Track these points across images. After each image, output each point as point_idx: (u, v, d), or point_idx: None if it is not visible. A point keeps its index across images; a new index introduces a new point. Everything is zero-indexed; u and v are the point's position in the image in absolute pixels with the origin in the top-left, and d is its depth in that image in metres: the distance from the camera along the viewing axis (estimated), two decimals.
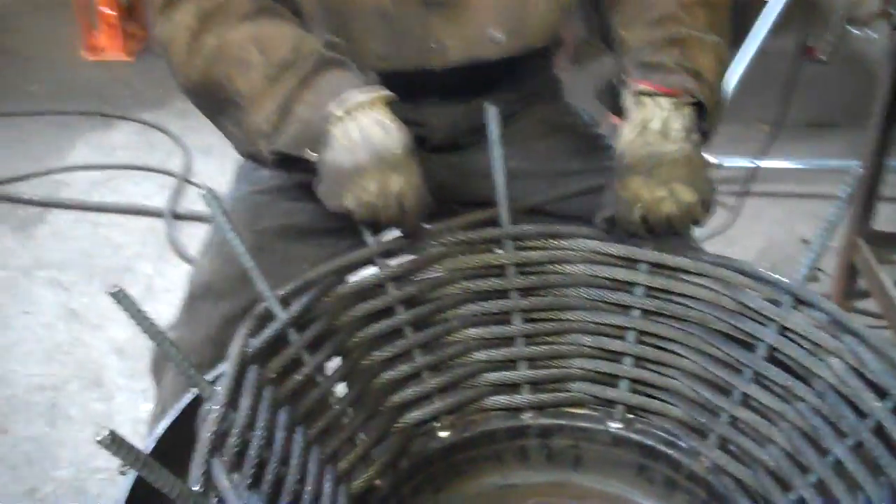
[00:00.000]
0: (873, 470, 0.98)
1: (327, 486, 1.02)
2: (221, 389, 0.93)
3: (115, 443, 0.76)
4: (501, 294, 1.24)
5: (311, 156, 1.17)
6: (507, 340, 1.24)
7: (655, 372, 1.21)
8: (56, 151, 3.33)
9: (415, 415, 1.19)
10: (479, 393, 1.23)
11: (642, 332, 1.21)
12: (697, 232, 1.35)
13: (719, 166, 2.98)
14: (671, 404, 1.20)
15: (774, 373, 1.10)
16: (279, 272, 1.24)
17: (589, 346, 1.24)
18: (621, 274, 1.21)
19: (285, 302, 1.08)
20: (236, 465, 0.89)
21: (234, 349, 0.98)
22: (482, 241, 1.23)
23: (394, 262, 1.19)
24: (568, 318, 1.24)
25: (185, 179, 3.15)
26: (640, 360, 1.21)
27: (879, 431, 0.99)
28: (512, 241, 1.23)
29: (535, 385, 1.24)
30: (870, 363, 1.01)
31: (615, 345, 1.22)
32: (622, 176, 1.19)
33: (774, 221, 2.99)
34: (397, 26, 1.33)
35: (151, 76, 3.80)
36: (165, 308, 2.53)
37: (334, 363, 1.14)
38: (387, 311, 1.18)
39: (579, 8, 1.45)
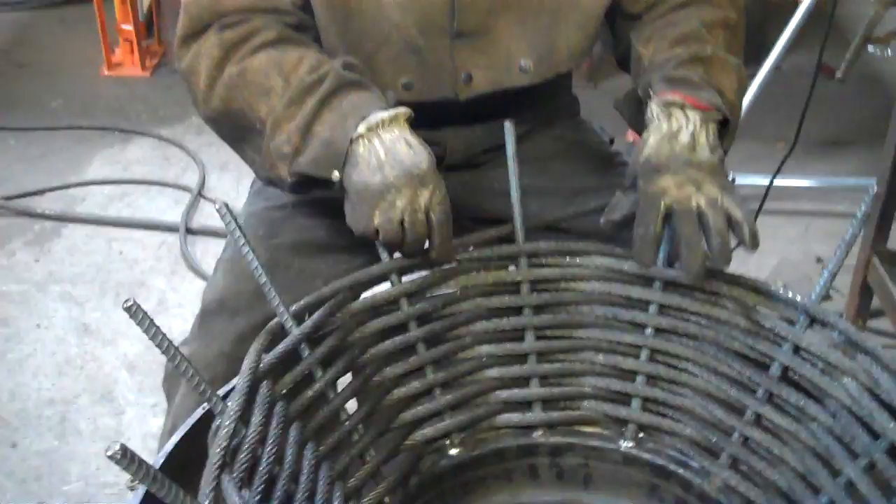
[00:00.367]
0: (886, 491, 0.97)
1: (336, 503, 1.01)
2: (233, 405, 0.93)
3: (125, 457, 0.76)
4: (515, 311, 1.23)
5: (335, 176, 1.17)
6: (520, 358, 1.23)
7: (668, 391, 1.20)
8: (73, 166, 3.35)
9: (426, 432, 1.19)
10: (491, 410, 1.23)
11: (655, 351, 1.20)
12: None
13: (734, 183, 2.97)
14: (683, 423, 1.19)
15: (787, 392, 1.10)
16: (293, 288, 1.25)
17: (601, 364, 1.23)
18: (635, 292, 1.21)
19: (299, 318, 1.08)
20: (246, 480, 0.89)
21: (247, 364, 0.98)
22: (496, 258, 1.23)
23: (407, 278, 1.19)
24: (581, 335, 1.24)
25: (199, 194, 3.16)
26: (652, 379, 1.21)
27: (893, 452, 0.98)
28: (526, 258, 1.23)
29: (547, 403, 1.23)
30: (884, 383, 1.01)
31: (628, 363, 1.21)
32: (649, 176, 1.16)
33: (789, 240, 2.98)
34: (426, 58, 1.34)
35: (168, 92, 3.82)
36: (178, 323, 2.56)
37: (346, 379, 1.13)
38: (400, 328, 1.18)
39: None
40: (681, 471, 1.17)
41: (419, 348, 1.19)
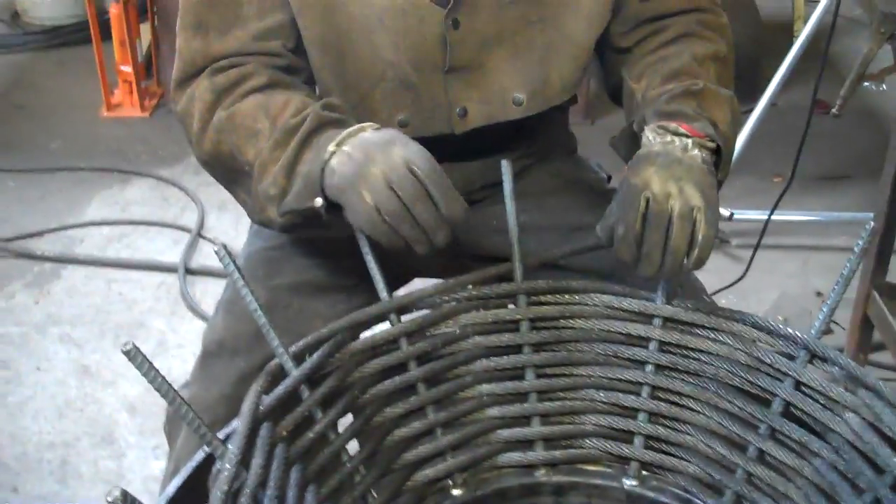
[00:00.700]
0: None
1: None
2: (233, 448, 0.92)
3: (125, 502, 0.75)
4: (515, 349, 1.23)
5: (318, 203, 1.16)
6: (521, 396, 1.23)
7: (670, 428, 1.20)
8: (72, 207, 3.36)
9: (427, 472, 1.18)
10: (493, 450, 1.22)
11: (656, 388, 1.20)
12: (710, 284, 1.33)
13: (731, 218, 2.98)
14: (686, 460, 1.19)
15: (790, 428, 1.09)
16: (293, 328, 1.25)
17: (603, 402, 1.23)
18: (635, 329, 1.21)
19: (298, 358, 1.08)
20: None
21: (247, 406, 0.98)
22: (495, 296, 1.23)
23: (407, 317, 1.19)
24: (581, 373, 1.24)
25: (198, 234, 3.17)
26: (654, 416, 1.20)
27: None
28: (525, 296, 1.23)
29: (549, 441, 1.23)
30: (886, 418, 1.00)
31: (629, 400, 1.21)
32: (636, 166, 1.17)
33: (788, 274, 2.98)
34: (420, 94, 1.35)
35: (167, 132, 3.83)
36: (178, 364, 2.56)
37: (347, 420, 1.13)
38: (400, 367, 1.18)
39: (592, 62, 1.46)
40: None
41: (419, 388, 1.18)
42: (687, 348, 1.18)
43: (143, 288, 2.93)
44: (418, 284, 1.28)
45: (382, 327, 1.18)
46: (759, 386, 1.13)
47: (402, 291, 1.27)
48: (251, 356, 1.33)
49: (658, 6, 1.39)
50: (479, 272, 1.24)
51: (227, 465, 0.90)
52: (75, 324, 2.76)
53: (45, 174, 3.56)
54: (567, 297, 1.24)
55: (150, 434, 2.32)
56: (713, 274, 1.17)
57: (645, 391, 1.20)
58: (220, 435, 1.00)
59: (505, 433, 1.23)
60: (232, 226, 3.22)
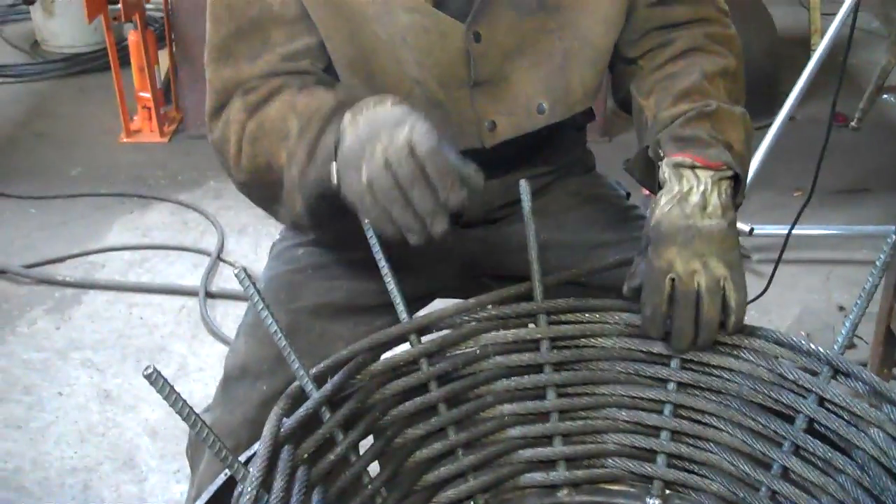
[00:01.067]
0: None
1: None
2: (254, 471, 0.92)
3: None
4: (536, 369, 1.23)
5: (333, 171, 1.14)
6: (542, 416, 1.23)
7: (693, 446, 1.19)
8: (93, 233, 3.38)
9: (449, 493, 1.18)
10: (515, 470, 1.22)
11: (679, 406, 1.19)
12: None
13: (752, 233, 2.97)
14: (710, 479, 1.18)
15: (814, 445, 1.09)
16: (315, 351, 1.25)
17: (625, 421, 1.22)
18: (656, 346, 1.20)
19: (319, 381, 1.08)
20: None
21: (268, 429, 0.98)
22: (515, 315, 1.23)
23: (427, 338, 1.19)
24: (603, 392, 1.23)
25: (218, 258, 3.18)
26: (677, 434, 1.20)
27: None
28: (545, 315, 1.23)
29: (571, 461, 1.22)
30: None
31: (652, 419, 1.21)
32: (657, 245, 1.18)
33: (810, 289, 2.97)
34: (448, 111, 1.35)
35: (186, 157, 3.86)
36: (199, 387, 2.56)
37: (368, 441, 1.13)
38: (420, 388, 1.17)
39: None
40: None
41: (440, 409, 1.18)
42: (709, 365, 1.18)
43: (163, 312, 2.94)
44: (438, 305, 1.28)
45: (403, 348, 1.18)
46: (783, 402, 1.12)
47: (422, 312, 1.27)
48: (274, 380, 1.33)
49: (665, 14, 1.39)
50: (498, 292, 1.24)
51: (249, 489, 0.90)
52: (97, 349, 2.77)
53: (66, 201, 3.59)
54: (587, 315, 1.23)
55: (172, 458, 2.32)
56: None
57: (667, 409, 1.20)
58: (242, 458, 1.00)
59: (527, 453, 1.22)
60: (251, 249, 3.23)
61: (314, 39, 1.32)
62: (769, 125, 3.04)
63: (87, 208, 3.55)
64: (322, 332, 1.39)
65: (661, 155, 1.25)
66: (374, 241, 1.15)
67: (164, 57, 4.11)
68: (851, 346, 1.13)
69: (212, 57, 1.33)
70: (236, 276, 1.06)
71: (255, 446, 1.01)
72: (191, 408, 0.91)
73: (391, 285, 1.17)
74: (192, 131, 4.03)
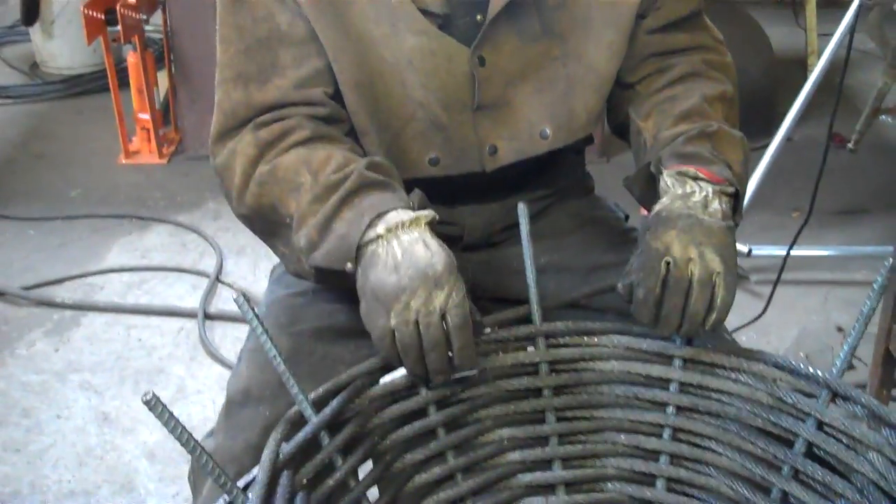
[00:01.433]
0: None
1: None
2: (253, 497, 0.92)
3: None
4: (535, 393, 1.23)
5: (348, 267, 1.17)
6: (541, 440, 1.23)
7: (692, 470, 1.19)
8: (92, 255, 3.38)
9: None
10: (514, 495, 1.22)
11: (678, 430, 1.19)
12: (730, 321, 1.33)
13: (750, 254, 2.97)
14: (709, 503, 1.17)
15: (813, 469, 1.09)
16: (317, 375, 1.25)
17: (624, 445, 1.22)
18: (655, 370, 1.20)
19: (319, 405, 1.08)
20: None
21: (267, 454, 0.98)
22: (514, 339, 1.23)
23: None
24: (602, 415, 1.23)
25: (217, 279, 3.18)
26: (676, 458, 1.20)
27: None
28: (544, 338, 1.23)
29: (571, 486, 1.22)
30: None
31: (651, 443, 1.21)
32: (656, 228, 1.19)
33: (809, 310, 2.96)
34: (450, 134, 1.36)
35: (185, 179, 3.86)
36: (197, 409, 2.55)
37: (367, 466, 1.13)
38: (419, 413, 1.17)
39: None
40: None
41: (439, 433, 1.18)
42: (708, 389, 1.18)
43: (162, 334, 2.94)
44: None
45: (402, 372, 1.18)
46: (782, 426, 1.12)
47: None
48: (276, 404, 1.33)
49: (664, 41, 1.40)
50: (497, 315, 1.24)
51: None
52: (95, 371, 2.76)
53: (64, 222, 3.59)
54: (586, 339, 1.24)
55: (170, 481, 2.31)
56: (733, 311, 1.17)
57: (666, 433, 1.20)
58: (241, 483, 1.00)
59: (526, 477, 1.22)
60: (250, 270, 3.23)
61: (322, 62, 1.32)
62: (767, 146, 3.05)
63: (85, 230, 3.54)
64: (324, 356, 1.39)
65: (663, 170, 1.25)
66: None
67: (163, 78, 4.12)
68: (851, 367, 1.13)
69: (222, 77, 1.34)
70: (236, 301, 1.06)
71: (254, 471, 1.01)
72: (190, 434, 0.91)
73: None
74: (190, 152, 4.03)
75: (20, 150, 4.20)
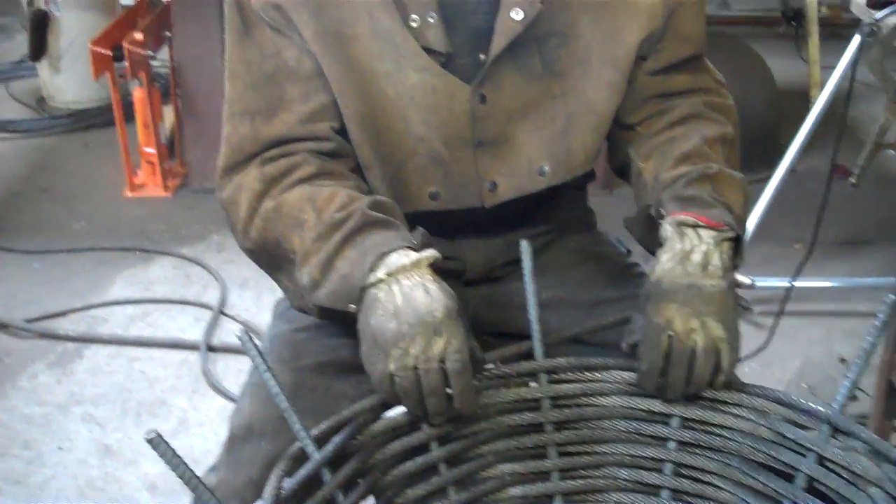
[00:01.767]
0: None
1: None
2: None
3: None
4: (536, 428, 1.23)
5: (351, 308, 1.18)
6: (543, 475, 1.23)
7: None
8: (96, 287, 3.38)
9: None
10: None
11: (679, 465, 1.20)
12: None
13: (753, 286, 2.97)
14: None
15: None
16: (320, 409, 1.25)
17: (625, 480, 1.22)
18: (657, 405, 1.20)
19: (321, 441, 1.08)
20: None
21: (268, 491, 0.98)
22: (516, 374, 1.23)
23: None
24: (604, 450, 1.23)
25: (220, 312, 3.18)
26: (677, 494, 1.20)
27: None
28: (546, 374, 1.23)
29: None
30: None
31: (652, 478, 1.21)
32: (657, 301, 1.19)
33: (812, 341, 2.96)
34: (451, 169, 1.37)
35: (189, 212, 3.87)
36: (199, 442, 2.55)
37: (369, 502, 1.13)
38: (421, 448, 1.17)
39: None
40: None
41: (441, 468, 1.18)
42: (709, 424, 1.18)
43: (165, 366, 2.94)
44: None
45: (404, 408, 1.18)
46: (783, 461, 1.12)
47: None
48: (278, 440, 1.33)
49: (665, 83, 1.41)
50: (499, 350, 1.25)
51: None
52: (97, 403, 2.76)
53: (69, 255, 3.60)
54: (588, 374, 1.24)
55: None
56: None
57: (668, 468, 1.20)
58: None
59: None
60: (253, 303, 3.23)
61: (329, 97, 1.33)
62: (770, 177, 3.05)
63: (89, 262, 3.55)
64: (326, 391, 1.39)
65: (663, 214, 1.26)
66: None
67: (168, 112, 4.14)
68: (853, 398, 1.14)
69: (230, 112, 1.35)
70: (238, 338, 1.06)
71: None
72: (192, 472, 0.92)
73: None
74: (195, 186, 4.05)
75: (26, 184, 4.21)
